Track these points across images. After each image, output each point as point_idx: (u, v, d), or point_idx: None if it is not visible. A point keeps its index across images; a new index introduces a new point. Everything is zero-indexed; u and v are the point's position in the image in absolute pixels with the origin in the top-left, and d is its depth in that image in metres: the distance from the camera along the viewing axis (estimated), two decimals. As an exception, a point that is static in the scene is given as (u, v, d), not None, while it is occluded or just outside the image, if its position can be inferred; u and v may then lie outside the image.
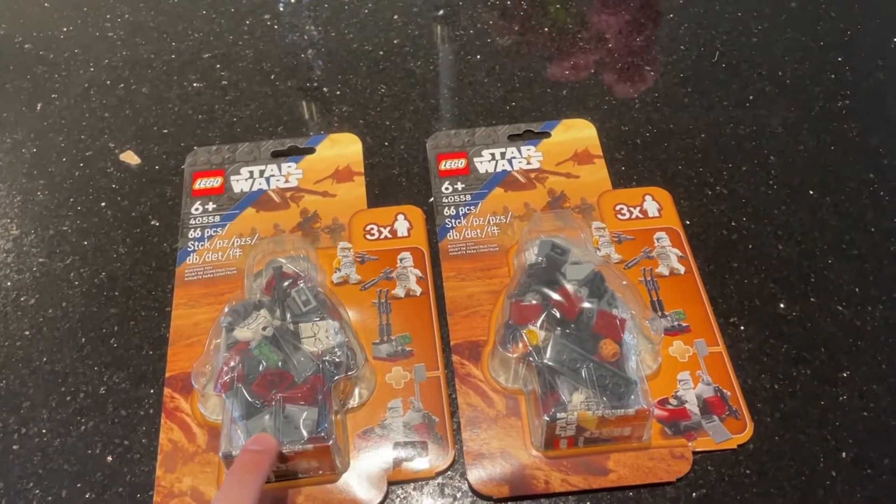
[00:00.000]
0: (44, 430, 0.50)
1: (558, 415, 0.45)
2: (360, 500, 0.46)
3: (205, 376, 0.48)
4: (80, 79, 0.70)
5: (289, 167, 0.62)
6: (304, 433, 0.44)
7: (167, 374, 0.51)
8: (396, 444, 0.48)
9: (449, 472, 0.48)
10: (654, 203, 0.59)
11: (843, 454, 0.48)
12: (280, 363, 0.47)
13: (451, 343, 0.52)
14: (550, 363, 0.47)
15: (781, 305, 0.55)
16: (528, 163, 0.62)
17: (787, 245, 0.58)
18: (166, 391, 0.50)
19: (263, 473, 0.41)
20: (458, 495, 0.47)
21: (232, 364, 0.47)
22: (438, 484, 0.48)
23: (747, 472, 0.48)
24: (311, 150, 0.63)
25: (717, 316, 0.54)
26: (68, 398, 0.51)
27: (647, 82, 0.69)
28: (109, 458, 0.49)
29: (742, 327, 0.54)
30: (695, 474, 0.47)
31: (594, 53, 0.72)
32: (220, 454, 0.44)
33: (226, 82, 0.69)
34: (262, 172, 0.61)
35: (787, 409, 0.50)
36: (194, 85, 0.69)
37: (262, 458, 0.42)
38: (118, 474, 0.48)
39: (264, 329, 0.48)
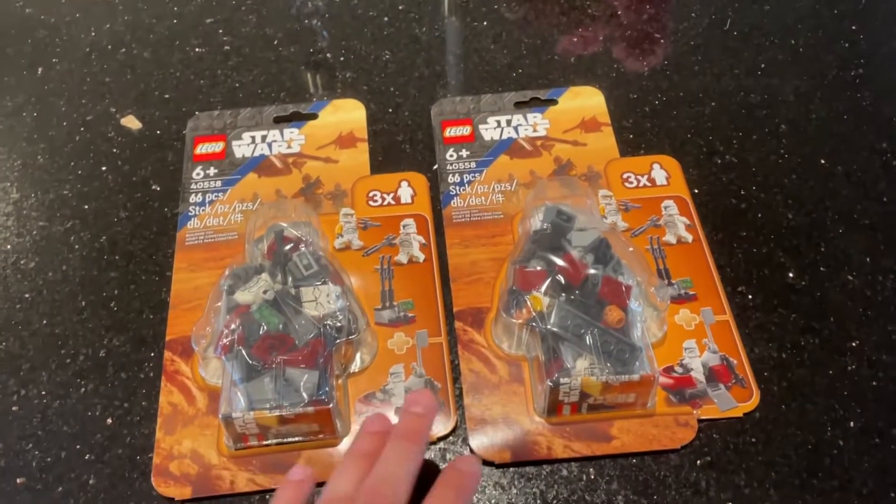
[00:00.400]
0: (43, 392, 0.49)
1: (562, 380, 0.44)
2: None
3: (205, 339, 0.47)
4: (81, 43, 0.69)
5: (291, 133, 0.61)
6: (305, 396, 0.44)
7: (167, 338, 0.50)
8: (398, 410, 0.47)
9: (451, 438, 0.47)
10: (661, 171, 0.58)
11: (851, 423, 0.47)
12: (281, 326, 0.46)
13: (455, 310, 0.52)
14: (554, 329, 0.46)
15: (790, 275, 0.54)
16: (535, 130, 0.61)
17: (797, 214, 0.57)
18: (166, 354, 0.50)
19: (424, 440, 0.39)
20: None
21: (232, 327, 0.46)
22: (440, 449, 0.47)
23: (753, 440, 0.47)
24: (313, 116, 0.62)
25: (725, 284, 0.53)
26: (68, 360, 0.51)
27: (657, 55, 0.67)
28: (109, 421, 0.48)
29: (750, 296, 0.53)
30: (699, 442, 0.47)
31: (603, 21, 0.70)
32: (220, 416, 0.44)
33: (228, 47, 0.68)
34: (264, 138, 0.61)
35: (794, 378, 0.49)
36: (196, 50, 0.68)
37: (422, 422, 0.39)
38: (118, 436, 0.48)
39: (265, 292, 0.47)
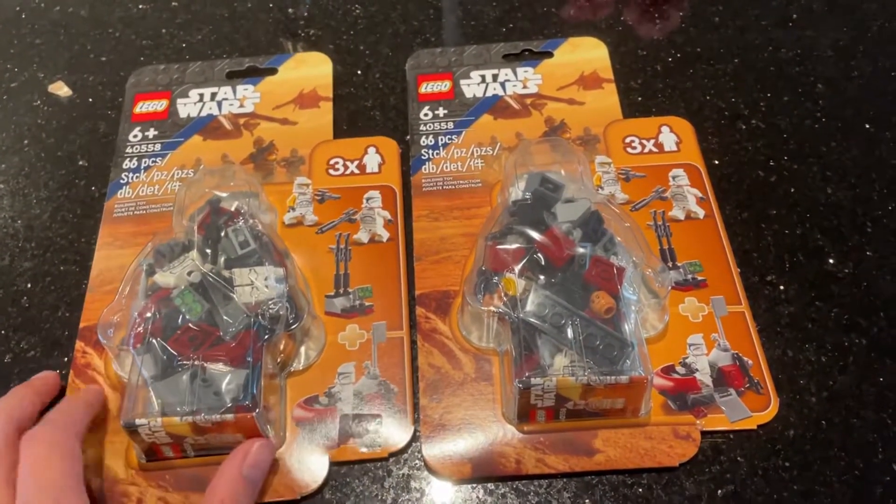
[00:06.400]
0: (-65, 406, 0.42)
1: (533, 381, 0.37)
2: (295, 483, 0.38)
3: (113, 328, 0.39)
4: (11, 1, 0.61)
5: (245, 90, 0.53)
6: (227, 400, 0.36)
7: (81, 325, 0.43)
8: (344, 417, 0.39)
9: (407, 454, 0.39)
10: (671, 135, 0.49)
11: (909, 443, 0.39)
12: (204, 315, 0.38)
13: (417, 293, 0.44)
14: (529, 318, 0.38)
15: (831, 261, 0.45)
16: (525, 86, 0.52)
17: (838, 188, 0.48)
18: (78, 345, 0.42)
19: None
20: (415, 481, 0.38)
21: (147, 315, 0.38)
22: (395, 466, 0.39)
23: (786, 464, 0.38)
24: (272, 71, 0.54)
25: (751, 273, 0.44)
26: (-33, 367, 0.43)
27: (671, 10, 0.58)
28: (9, 440, 0.40)
29: (782, 287, 0.44)
30: (720, 467, 0.38)
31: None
32: (122, 423, 0.36)
33: (175, 3, 0.60)
34: (213, 95, 0.53)
35: (837, 387, 0.40)
36: (140, 7, 0.60)
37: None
38: (18, 459, 0.40)
39: (190, 274, 0.39)
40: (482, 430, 0.39)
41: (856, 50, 0.55)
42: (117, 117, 0.53)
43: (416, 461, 0.39)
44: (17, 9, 0.60)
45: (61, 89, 0.55)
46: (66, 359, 0.43)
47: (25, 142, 0.52)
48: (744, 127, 0.51)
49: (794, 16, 0.57)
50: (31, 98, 0.54)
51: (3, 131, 0.53)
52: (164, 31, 0.58)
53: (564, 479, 0.38)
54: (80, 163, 0.51)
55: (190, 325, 0.38)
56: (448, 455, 0.38)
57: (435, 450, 0.39)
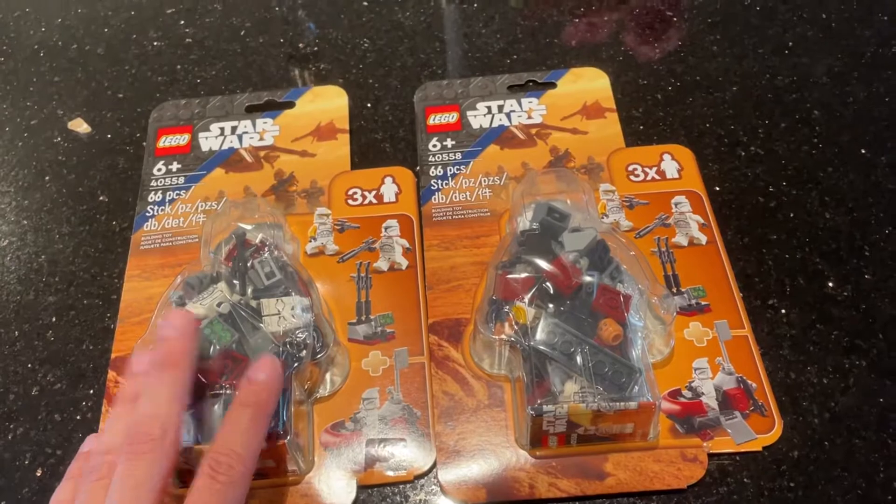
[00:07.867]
0: (-34, 439, 0.43)
1: (545, 408, 0.38)
2: None
3: None
4: (29, 40, 0.63)
5: (264, 123, 0.55)
6: None
7: (113, 356, 0.45)
8: (370, 442, 0.41)
9: (430, 475, 0.41)
10: (673, 163, 0.51)
11: (909, 463, 0.40)
12: (234, 345, 0.40)
13: (430, 321, 0.45)
14: (540, 346, 0.39)
15: (830, 284, 0.46)
16: (529, 117, 0.54)
17: (836, 213, 0.49)
18: (111, 374, 0.44)
19: (184, 361, 0.35)
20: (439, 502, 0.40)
21: None
22: (410, 492, 0.40)
23: (791, 485, 0.40)
24: (290, 105, 0.56)
25: (753, 297, 0.46)
26: (-4, 401, 0.44)
27: (670, 39, 0.60)
28: (39, 472, 0.42)
29: (783, 310, 0.45)
30: (728, 488, 0.39)
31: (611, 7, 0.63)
32: None
33: (190, 40, 0.62)
34: (234, 129, 0.54)
35: (839, 409, 0.42)
36: (154, 44, 0.62)
37: (180, 343, 0.36)
38: (48, 491, 0.41)
39: (219, 305, 0.41)
40: (496, 455, 0.40)
41: (850, 76, 0.56)
42: (136, 153, 0.54)
43: (433, 486, 0.40)
44: (36, 47, 0.62)
45: (81, 126, 0.56)
46: (91, 391, 0.44)
47: (47, 178, 0.54)
48: (743, 154, 0.52)
49: (790, 43, 0.58)
50: (52, 135, 0.56)
51: (24, 168, 0.54)
52: (178, 67, 0.60)
53: (576, 503, 0.40)
54: (101, 198, 0.52)
55: (221, 354, 0.39)
56: (463, 480, 0.40)
57: (451, 475, 0.40)
